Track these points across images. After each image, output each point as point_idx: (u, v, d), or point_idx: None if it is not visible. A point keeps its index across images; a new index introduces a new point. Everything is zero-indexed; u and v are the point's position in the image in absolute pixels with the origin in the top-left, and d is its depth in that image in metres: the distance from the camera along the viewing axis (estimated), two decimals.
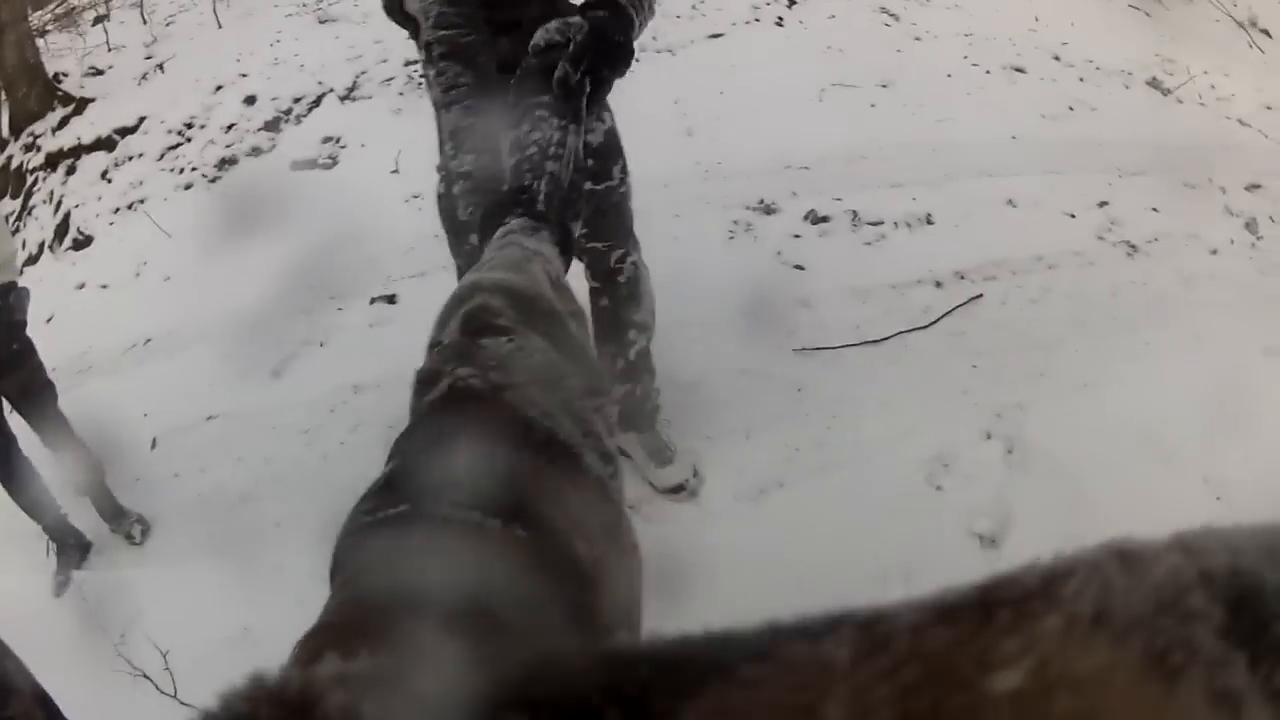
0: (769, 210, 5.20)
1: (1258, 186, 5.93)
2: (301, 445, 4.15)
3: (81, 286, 6.74)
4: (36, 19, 9.92)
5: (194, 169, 7.34)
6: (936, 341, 4.10)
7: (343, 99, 7.50)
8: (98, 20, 9.87)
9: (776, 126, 6.11)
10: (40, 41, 9.15)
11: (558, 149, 1.89)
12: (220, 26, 8.72)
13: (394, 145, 6.60)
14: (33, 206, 8.00)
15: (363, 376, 4.42)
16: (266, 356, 4.87)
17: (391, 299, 5.12)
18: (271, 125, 7.47)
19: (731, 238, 5.01)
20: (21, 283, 3.91)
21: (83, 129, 8.14)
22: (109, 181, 7.60)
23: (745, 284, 4.43)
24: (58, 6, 10.57)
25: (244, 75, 7.91)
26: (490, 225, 1.72)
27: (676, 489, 3.33)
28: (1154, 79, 7.75)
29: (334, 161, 6.96)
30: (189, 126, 7.65)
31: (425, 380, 1.04)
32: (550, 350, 1.04)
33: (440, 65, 2.36)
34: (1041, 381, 3.84)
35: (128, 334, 5.77)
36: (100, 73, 8.82)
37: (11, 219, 8.02)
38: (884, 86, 6.80)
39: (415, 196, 6.00)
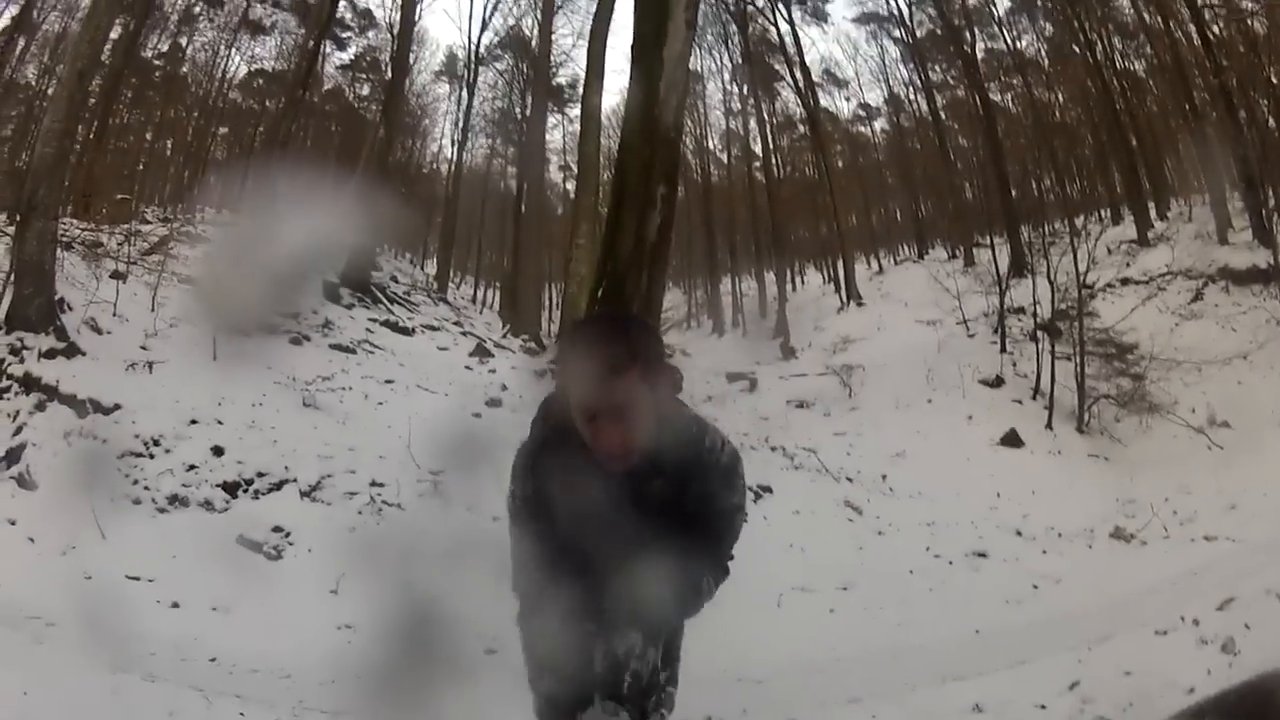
0: None
1: (1230, 601, 5.87)
2: None
3: (13, 523, 6.83)
4: (65, 227, 10.41)
5: (146, 488, 7.46)
6: None
7: (303, 494, 7.69)
8: (115, 275, 10.40)
9: (732, 634, 5.98)
10: (60, 253, 9.47)
11: (641, 654, 2.46)
12: (215, 359, 9.02)
13: (340, 563, 6.64)
14: None
15: None
16: None
17: None
18: (230, 488, 7.66)
19: None
20: None
21: (64, 375, 8.37)
22: (69, 445, 7.74)
23: None
24: (86, 231, 11.25)
25: (220, 422, 8.14)
26: (577, 704, 2.24)
27: None
28: (1116, 529, 7.99)
29: (278, 554, 7.08)
30: (155, 444, 7.83)
31: None
32: None
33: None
34: None
35: (24, 603, 5.65)
36: (99, 332, 9.16)
37: None
38: (844, 589, 6.96)
39: (347, 626, 5.93)
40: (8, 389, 8.48)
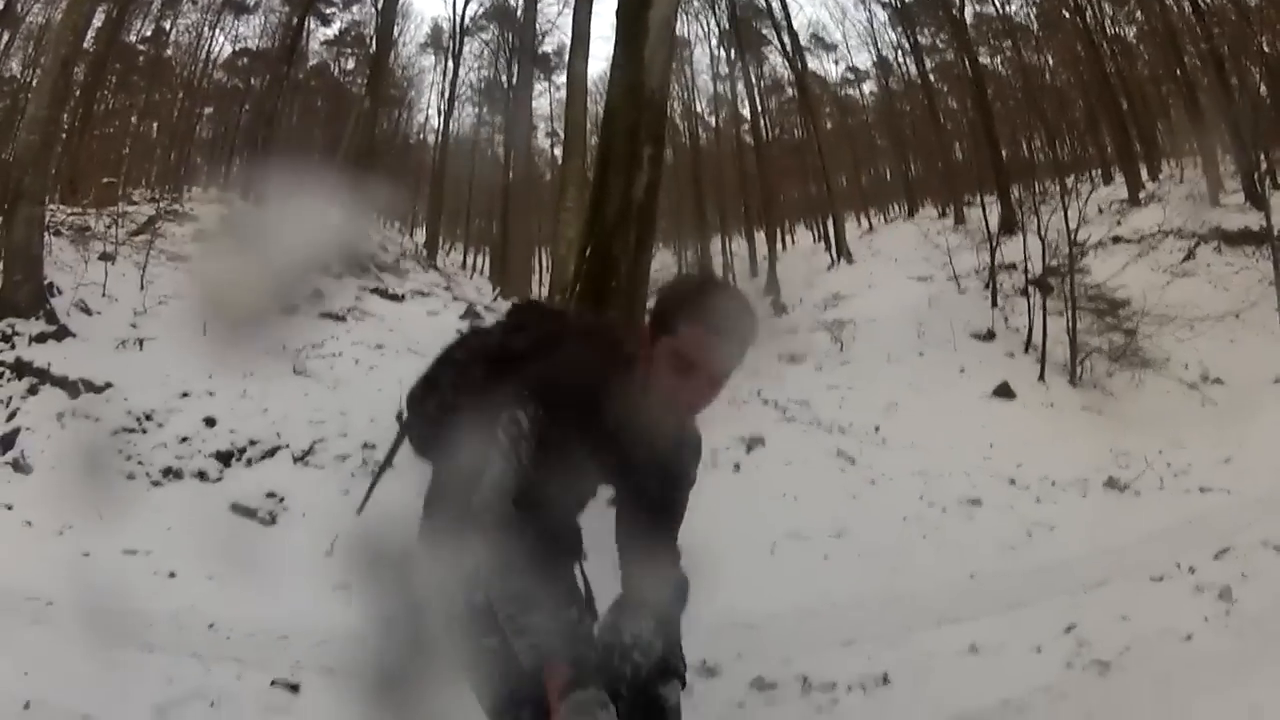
0: (711, 673, 4.98)
1: (1226, 550, 5.90)
2: None
3: (10, 508, 6.86)
4: (53, 211, 10.63)
5: (140, 463, 7.50)
6: None
7: (296, 459, 7.71)
8: (104, 257, 10.54)
9: (725, 580, 5.86)
10: (48, 238, 9.69)
11: (647, 648, 2.28)
12: (205, 334, 9.07)
13: (335, 526, 6.56)
14: None
15: None
16: (154, 688, 4.60)
17: (294, 688, 4.82)
18: (223, 457, 7.70)
19: None
20: None
21: (56, 358, 8.50)
22: (63, 426, 7.85)
23: None
24: (74, 216, 11.50)
25: (211, 394, 8.18)
26: (576, 684, 2.05)
27: None
28: (1110, 479, 7.99)
29: (273, 519, 7.11)
30: (148, 418, 7.88)
31: None
32: None
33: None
34: None
35: (22, 586, 5.65)
36: (88, 313, 9.31)
37: None
38: (838, 536, 6.92)
39: (344, 587, 5.86)
40: (0, 376, 8.56)
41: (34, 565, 6.01)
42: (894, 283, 14.46)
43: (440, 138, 20.74)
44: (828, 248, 18.22)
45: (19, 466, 7.62)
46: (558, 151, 19.38)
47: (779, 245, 18.68)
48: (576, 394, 2.36)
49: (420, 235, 20.17)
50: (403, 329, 11.29)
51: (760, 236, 19.05)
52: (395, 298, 13.75)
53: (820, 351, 11.71)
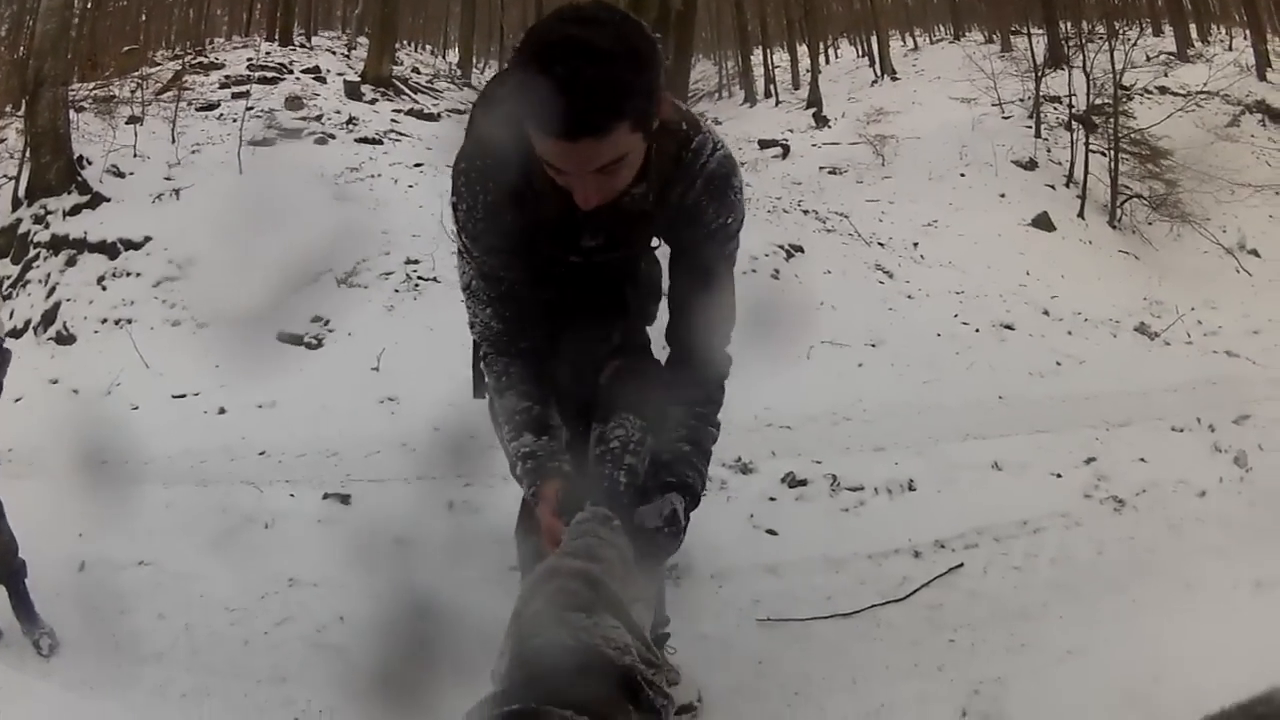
0: (746, 469, 5.15)
1: (1246, 417, 5.98)
2: (225, 622, 3.95)
3: (55, 382, 6.99)
4: (76, 90, 10.58)
5: (185, 309, 7.59)
6: (912, 614, 3.89)
7: (340, 282, 7.73)
8: (131, 120, 10.57)
9: (762, 382, 5.99)
10: (73, 115, 9.71)
11: (637, 446, 2.12)
12: (241, 173, 9.18)
13: (380, 342, 6.78)
14: (28, 280, 8.33)
15: (301, 571, 4.21)
16: (210, 521, 4.74)
17: (346, 499, 5.00)
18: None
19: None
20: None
21: (91, 225, 8.50)
22: (104, 289, 7.93)
23: (713, 546, 4.18)
24: (98, 89, 11.36)
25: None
26: (569, 509, 1.84)
27: (683, 709, 3.11)
28: (1142, 324, 8.00)
29: (319, 343, 7.18)
30: (190, 264, 7.93)
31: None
32: (618, 628, 1.36)
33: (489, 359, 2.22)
34: (1023, 653, 3.60)
35: (73, 453, 5.57)
36: (121, 175, 9.29)
37: (7, 283, 8.44)
38: (873, 345, 6.97)
39: (390, 399, 6.13)
40: (35, 257, 8.53)
41: (85, 428, 6.01)
42: (937, 102, 14.10)
43: None
44: (871, 64, 17.79)
45: (62, 339, 7.64)
46: None
47: (821, 59, 18.20)
48: (484, 179, 2.07)
49: (454, 55, 19.80)
50: (440, 146, 10.96)
51: (802, 49, 18.56)
52: (431, 117, 13.48)
53: (861, 165, 11.56)
